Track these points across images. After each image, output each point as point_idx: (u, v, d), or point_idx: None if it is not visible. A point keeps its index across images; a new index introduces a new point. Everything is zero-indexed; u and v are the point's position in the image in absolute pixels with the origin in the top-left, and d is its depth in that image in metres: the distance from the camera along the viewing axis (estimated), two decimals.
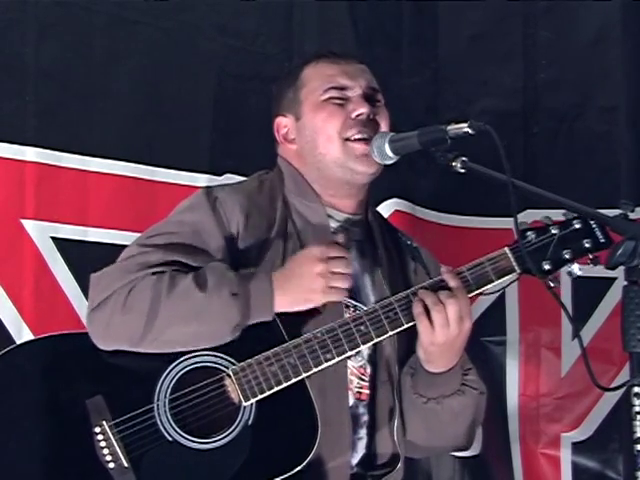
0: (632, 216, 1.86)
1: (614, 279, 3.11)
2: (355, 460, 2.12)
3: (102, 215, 2.84)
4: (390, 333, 2.04)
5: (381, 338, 2.03)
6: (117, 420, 1.94)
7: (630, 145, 3.48)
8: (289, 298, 1.99)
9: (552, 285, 2.04)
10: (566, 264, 2.05)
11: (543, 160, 3.49)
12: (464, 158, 1.97)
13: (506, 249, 2.08)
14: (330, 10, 3.29)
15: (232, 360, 1.98)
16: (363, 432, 2.14)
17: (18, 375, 1.99)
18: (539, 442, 3.42)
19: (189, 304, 1.96)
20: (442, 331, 1.99)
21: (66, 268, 2.76)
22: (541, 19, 3.53)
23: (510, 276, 2.09)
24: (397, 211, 3.28)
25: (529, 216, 3.26)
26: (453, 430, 2.19)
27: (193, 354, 1.98)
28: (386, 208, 3.23)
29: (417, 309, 2.01)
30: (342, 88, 2.17)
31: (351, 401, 2.11)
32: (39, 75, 2.81)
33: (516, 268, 2.07)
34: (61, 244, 2.79)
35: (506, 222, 3.18)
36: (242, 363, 1.97)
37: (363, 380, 2.14)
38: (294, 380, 1.97)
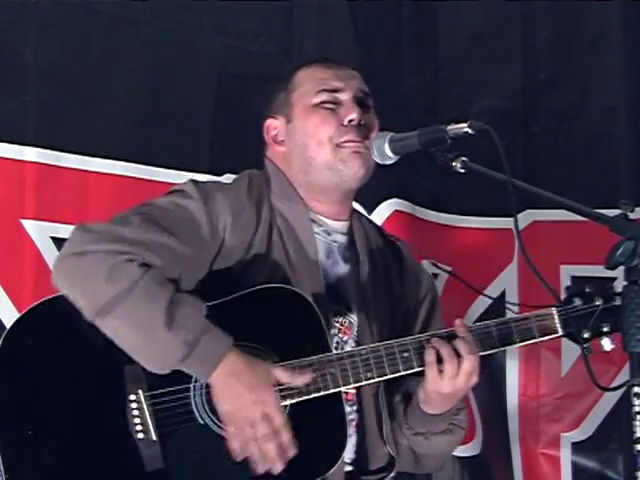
0: (632, 216, 1.85)
1: (614, 279, 3.11)
2: (346, 458, 2.12)
3: (102, 215, 2.81)
4: None
5: (422, 368, 2.04)
6: (153, 392, 1.93)
7: (630, 145, 3.49)
8: (230, 389, 1.91)
9: (586, 354, 2.08)
10: (602, 336, 2.09)
11: (543, 160, 3.49)
12: (464, 158, 1.97)
13: (553, 310, 2.10)
14: (330, 10, 3.29)
15: (275, 357, 1.97)
16: (352, 430, 2.14)
17: (60, 325, 1.97)
18: (539, 442, 3.42)
19: (148, 321, 1.90)
20: (450, 382, 2.00)
21: None
22: (541, 19, 3.54)
23: (550, 337, 2.12)
24: (397, 211, 3.28)
25: (529, 216, 3.31)
26: (435, 461, 2.27)
27: (237, 343, 1.94)
28: (386, 208, 3.23)
29: (430, 357, 2.01)
30: (334, 90, 2.17)
31: None
32: (39, 75, 2.80)
33: (559, 330, 2.10)
34: (61, 244, 2.74)
35: (506, 222, 3.25)
36: (284, 363, 1.97)
37: None
38: (331, 391, 1.98)
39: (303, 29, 3.23)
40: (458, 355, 2.00)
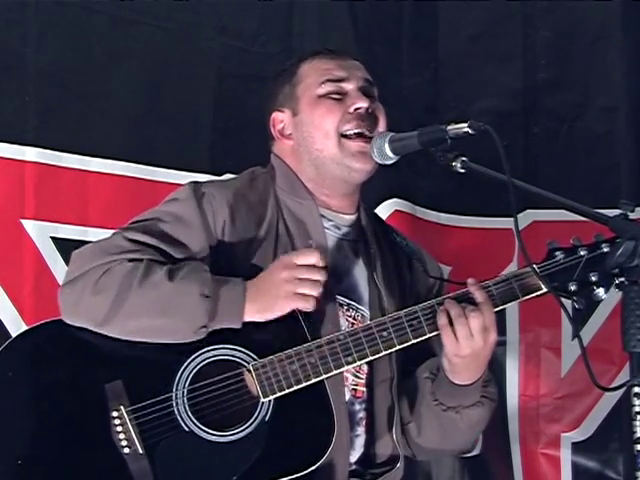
0: (632, 216, 1.85)
1: None
2: (354, 458, 2.13)
3: (102, 215, 2.84)
4: (413, 341, 2.04)
5: (403, 345, 2.03)
6: (135, 406, 1.94)
7: (630, 145, 3.48)
8: (257, 306, 1.97)
9: (577, 307, 2.04)
10: (592, 286, 2.04)
11: (543, 160, 3.49)
12: (464, 158, 1.97)
13: (534, 267, 2.04)
14: (330, 10, 3.29)
15: (253, 355, 1.98)
16: (361, 430, 2.14)
17: (39, 354, 2.00)
18: (539, 442, 3.42)
19: (157, 297, 1.95)
20: (466, 343, 1.98)
21: (66, 268, 2.74)
22: (541, 19, 3.53)
23: (536, 294, 2.07)
24: (397, 211, 3.28)
25: (529, 216, 3.31)
26: (466, 438, 2.22)
27: (214, 347, 1.98)
28: (386, 208, 3.23)
29: (441, 320, 2.00)
30: (338, 80, 2.17)
31: (347, 397, 2.11)
32: (39, 75, 2.81)
33: (542, 286, 2.05)
34: (61, 244, 2.79)
35: (506, 222, 3.25)
36: (263, 359, 1.97)
37: (358, 377, 2.14)
38: (313, 380, 1.97)
39: (303, 29, 3.24)
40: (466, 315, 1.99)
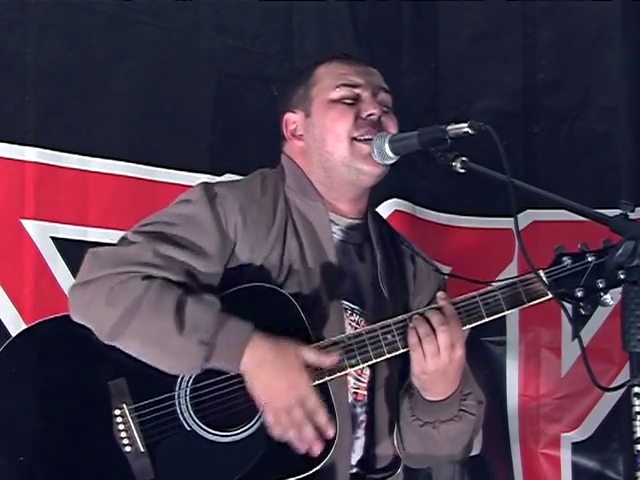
0: (632, 216, 1.85)
1: None
2: (353, 460, 2.13)
3: (102, 215, 2.84)
4: None
5: (407, 349, 2.01)
6: (137, 404, 1.95)
7: (630, 145, 3.49)
8: (262, 377, 1.93)
9: (584, 313, 2.03)
10: (599, 293, 2.03)
11: (543, 160, 3.49)
12: (464, 158, 1.97)
13: (540, 272, 2.03)
14: (330, 10, 3.29)
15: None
16: (361, 432, 2.14)
17: (42, 351, 2.01)
18: (539, 442, 3.42)
19: (158, 332, 1.94)
20: (432, 360, 1.97)
21: (66, 268, 2.75)
22: (541, 19, 3.54)
23: (540, 300, 2.06)
24: (397, 211, 3.28)
25: (529, 216, 3.31)
26: (448, 451, 2.18)
27: None
28: (386, 208, 3.23)
29: (412, 339, 1.99)
30: (353, 85, 2.17)
31: (349, 400, 2.11)
32: (39, 75, 2.81)
33: (548, 291, 2.03)
34: (61, 244, 2.79)
35: (506, 222, 3.26)
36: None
37: (360, 381, 2.13)
38: (316, 382, 1.96)
39: (303, 29, 3.24)
40: (435, 330, 1.97)
